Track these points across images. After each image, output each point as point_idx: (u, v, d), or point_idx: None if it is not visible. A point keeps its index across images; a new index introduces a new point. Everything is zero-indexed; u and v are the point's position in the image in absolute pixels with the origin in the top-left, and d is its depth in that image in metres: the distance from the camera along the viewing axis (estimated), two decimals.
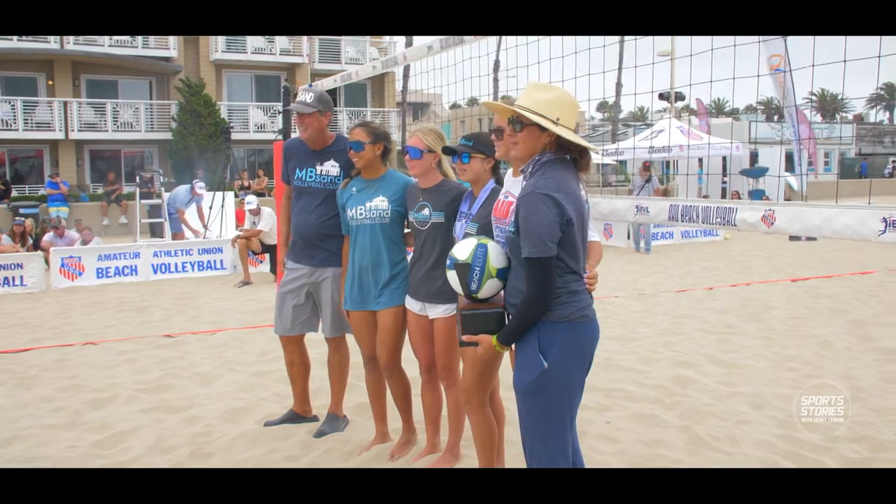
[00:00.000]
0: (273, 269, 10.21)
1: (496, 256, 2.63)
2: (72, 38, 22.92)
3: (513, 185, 2.96)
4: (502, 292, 2.70)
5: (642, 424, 4.33)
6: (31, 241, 12.46)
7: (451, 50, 4.38)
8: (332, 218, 4.00)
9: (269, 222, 10.05)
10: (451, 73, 5.51)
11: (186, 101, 23.91)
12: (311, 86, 7.33)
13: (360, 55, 28.82)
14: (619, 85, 33.06)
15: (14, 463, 3.82)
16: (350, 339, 4.23)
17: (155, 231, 13.83)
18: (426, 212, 3.57)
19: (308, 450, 3.98)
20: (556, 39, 4.12)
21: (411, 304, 3.72)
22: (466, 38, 4.10)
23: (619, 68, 28.44)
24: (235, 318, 7.68)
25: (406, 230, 3.89)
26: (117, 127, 24.23)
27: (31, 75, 23.80)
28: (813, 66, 3.23)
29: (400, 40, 29.64)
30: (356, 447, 4.02)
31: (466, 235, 3.21)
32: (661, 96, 26.95)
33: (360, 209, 3.82)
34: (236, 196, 14.45)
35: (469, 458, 3.73)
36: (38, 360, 5.97)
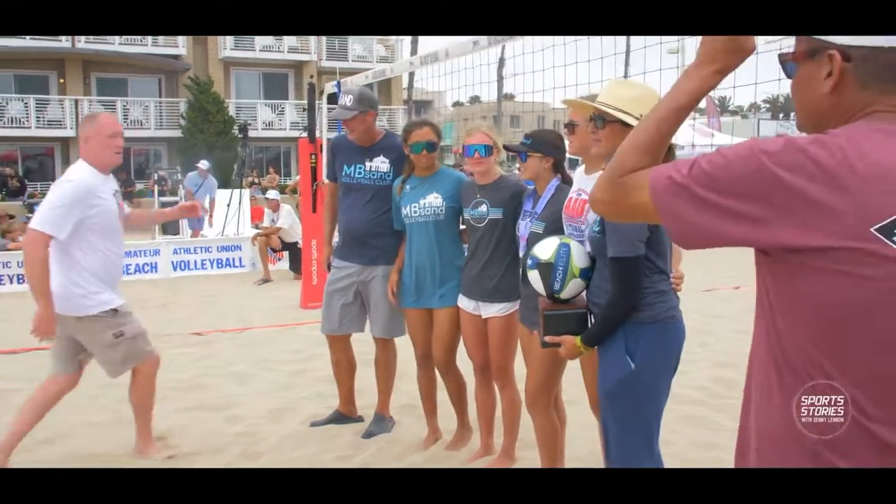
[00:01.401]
0: (293, 267, 10.16)
1: (579, 256, 2.57)
2: (83, 36, 22.88)
3: (586, 181, 2.89)
4: (584, 292, 2.64)
5: (693, 427, 4.27)
6: None
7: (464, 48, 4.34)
8: (383, 215, 3.93)
9: (288, 219, 10.01)
10: (456, 71, 5.50)
11: (195, 99, 23.91)
12: (337, 84, 7.32)
13: (366, 52, 28.84)
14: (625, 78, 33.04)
15: (67, 462, 3.76)
16: (400, 339, 4.18)
17: (167, 228, 13.78)
18: (483, 208, 3.51)
19: (358, 450, 3.92)
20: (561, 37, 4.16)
21: (464, 303, 3.67)
22: (513, 37, 4.07)
23: (626, 65, 28.38)
24: (261, 315, 7.62)
25: (461, 227, 3.84)
26: (127, 125, 24.14)
27: (44, 73, 23.82)
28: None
29: (406, 39, 29.71)
30: (406, 448, 3.96)
31: (533, 234, 3.16)
32: None
33: (415, 207, 3.76)
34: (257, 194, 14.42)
35: (524, 461, 3.67)
36: None
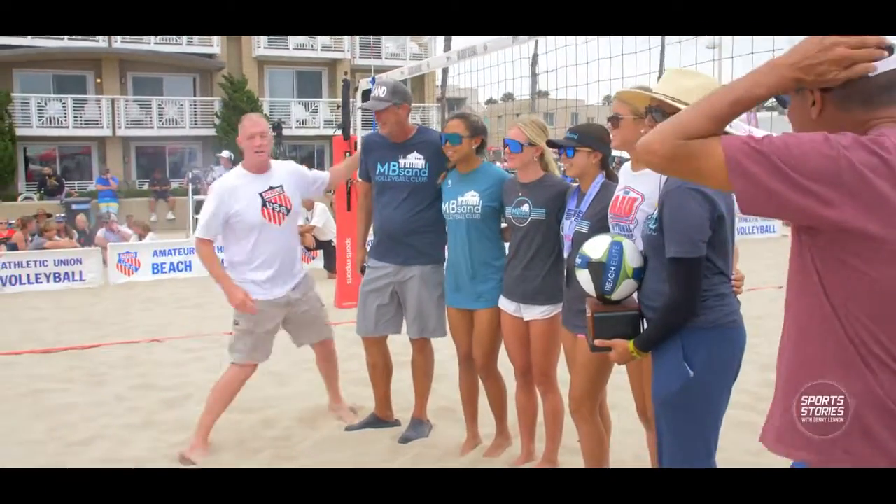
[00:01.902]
0: (328, 266, 10.12)
1: (632, 255, 2.44)
2: (119, 36, 23.19)
3: (633, 179, 2.76)
4: (635, 294, 2.51)
5: (741, 432, 4.09)
6: (77, 236, 12.52)
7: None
8: (420, 213, 3.83)
9: (322, 217, 9.97)
10: (489, 67, 5.40)
11: (229, 98, 24.06)
12: (372, 80, 7.23)
13: (400, 50, 28.80)
14: (661, 74, 32.49)
15: (99, 463, 3.74)
16: (435, 340, 4.08)
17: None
18: (525, 208, 3.39)
19: (396, 455, 3.83)
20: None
21: (505, 305, 3.56)
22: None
23: (661, 60, 27.91)
24: None
25: (503, 225, 3.73)
26: (162, 123, 24.50)
27: (81, 73, 24.17)
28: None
29: (439, 38, 29.62)
30: (444, 453, 3.87)
31: (578, 234, 3.03)
32: None
33: (453, 203, 3.67)
34: None
35: (567, 466, 3.55)
36: (106, 358, 5.93)
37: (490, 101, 52.04)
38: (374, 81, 6.97)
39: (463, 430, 4.21)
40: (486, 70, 5.51)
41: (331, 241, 10.05)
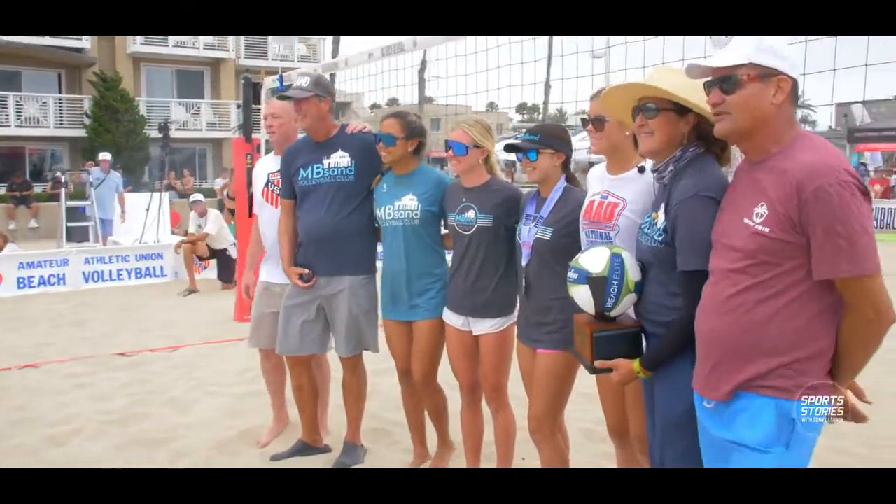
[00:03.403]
0: (222, 276, 9.47)
1: (633, 268, 2.23)
2: None
3: (612, 184, 2.56)
4: (631, 309, 2.30)
5: None
6: None
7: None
8: (349, 216, 3.49)
9: (216, 225, 9.32)
10: (376, 74, 5.28)
11: (101, 96, 22.38)
12: (279, 78, 6.76)
13: (287, 51, 27.98)
14: (547, 86, 33.34)
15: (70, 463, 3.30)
16: (367, 358, 3.75)
17: (73, 235, 12.71)
18: (471, 214, 3.14)
19: None
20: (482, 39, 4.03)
21: (452, 319, 3.29)
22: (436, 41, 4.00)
23: (548, 70, 28.59)
24: (192, 331, 6.95)
25: (444, 232, 3.46)
26: (21, 122, 22.43)
27: None
28: None
29: (328, 38, 28.98)
30: None
31: (539, 241, 2.82)
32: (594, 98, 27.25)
33: (389, 209, 3.37)
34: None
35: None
36: None
37: (374, 106, 51.68)
38: (281, 80, 6.55)
39: (400, 451, 3.95)
40: (373, 77, 5.36)
41: (225, 250, 9.42)
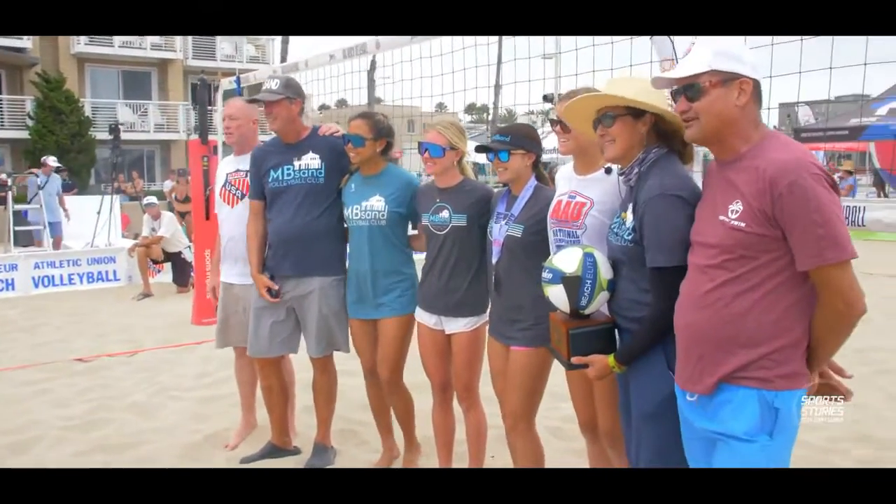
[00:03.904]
0: (177, 280, 9.33)
1: (605, 266, 2.31)
2: None
3: (579, 183, 2.65)
4: (604, 306, 2.39)
5: None
6: None
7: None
8: (320, 217, 3.50)
9: (170, 228, 9.17)
10: (324, 79, 5.34)
11: (44, 97, 21.72)
12: (237, 80, 6.71)
13: (235, 52, 27.56)
14: (497, 86, 33.57)
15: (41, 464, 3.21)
16: (338, 359, 3.78)
17: (20, 239, 12.32)
18: (445, 214, 3.19)
19: None
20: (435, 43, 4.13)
21: (424, 318, 3.34)
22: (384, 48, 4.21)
23: (498, 74, 28.82)
24: (150, 335, 6.84)
25: (412, 232, 3.51)
26: None
27: None
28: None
29: (276, 39, 28.65)
30: None
31: (510, 238, 2.88)
32: (546, 98, 27.56)
33: (356, 209, 3.41)
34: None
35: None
36: None
37: (323, 107, 51.22)
38: (238, 82, 6.50)
39: (369, 451, 3.98)
40: (322, 81, 5.41)
41: (180, 253, 9.28)
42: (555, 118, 2.69)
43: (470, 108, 69.81)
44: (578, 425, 2.89)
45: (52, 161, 11.25)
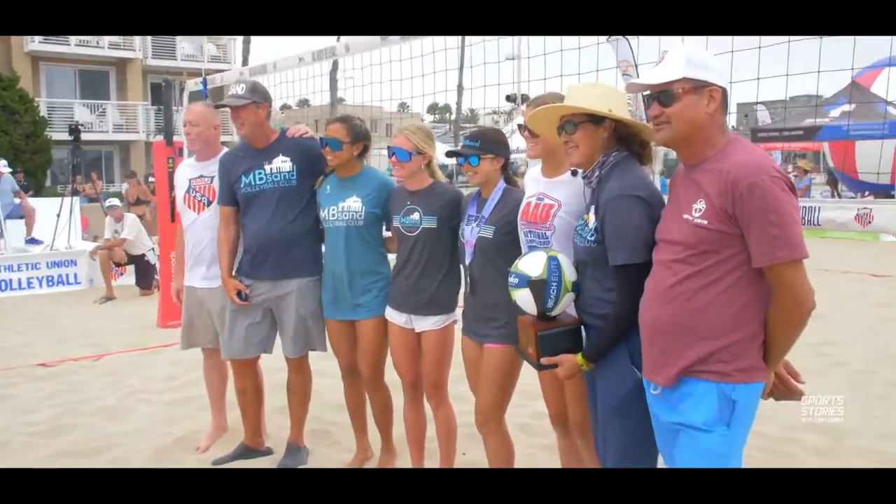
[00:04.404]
0: (140, 283, 9.22)
1: (569, 268, 2.41)
2: None
3: (547, 186, 2.74)
4: (571, 307, 2.47)
5: None
6: None
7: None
8: (296, 220, 3.54)
9: (133, 230, 9.06)
10: (287, 82, 5.40)
11: None
12: (203, 81, 6.67)
13: (196, 52, 27.25)
14: (460, 87, 33.68)
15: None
16: (310, 358, 3.81)
17: None
18: (416, 216, 3.26)
19: None
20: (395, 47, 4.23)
21: (394, 317, 3.39)
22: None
23: (461, 69, 28.89)
24: (115, 339, 6.75)
25: (386, 234, 3.56)
26: None
27: None
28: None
29: (238, 38, 28.34)
30: None
31: (481, 239, 2.96)
32: (509, 98, 27.75)
33: (333, 210, 3.44)
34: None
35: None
36: None
37: (285, 107, 50.84)
38: (204, 83, 6.47)
39: (341, 450, 4.01)
40: (285, 84, 5.45)
41: (143, 256, 9.18)
42: (522, 123, 2.77)
43: (432, 109, 69.98)
44: (549, 419, 2.97)
45: (2, 166, 10.95)
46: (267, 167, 3.54)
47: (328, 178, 3.54)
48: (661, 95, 2.00)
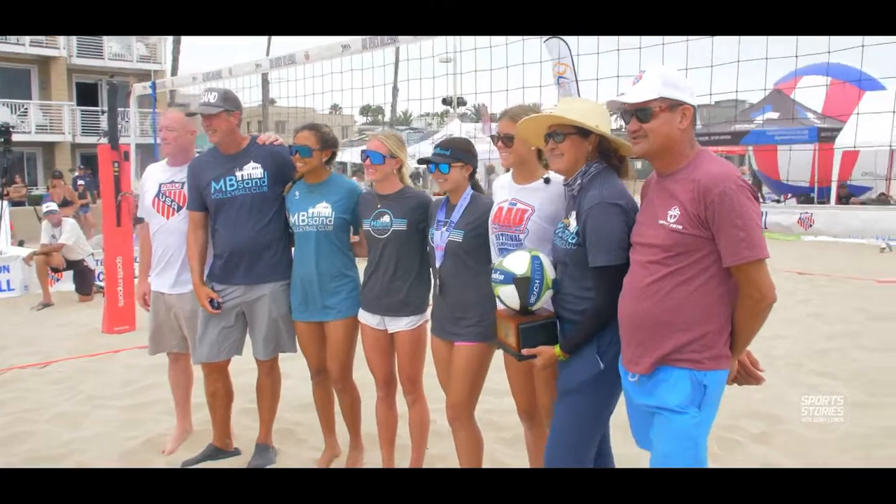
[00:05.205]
0: (80, 289, 8.98)
1: (550, 267, 2.62)
2: None
3: (519, 192, 2.92)
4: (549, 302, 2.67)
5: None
6: None
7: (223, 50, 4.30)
8: (267, 226, 3.61)
9: (72, 235, 8.83)
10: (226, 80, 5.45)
11: None
12: (152, 85, 6.63)
13: (125, 51, 26.44)
14: (395, 89, 33.65)
15: None
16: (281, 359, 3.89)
17: None
18: (386, 219, 3.39)
19: None
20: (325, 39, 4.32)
21: (367, 319, 3.51)
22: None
23: (396, 72, 28.88)
24: (59, 346, 6.58)
25: (354, 238, 3.67)
26: None
27: None
28: (597, 79, 3.99)
29: (168, 38, 27.64)
30: None
31: (451, 243, 3.11)
32: (445, 101, 27.95)
33: (303, 215, 3.54)
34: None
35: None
36: None
37: None
38: (153, 87, 6.44)
39: (308, 448, 4.09)
40: (220, 82, 5.48)
41: (83, 261, 8.95)
42: (496, 134, 2.95)
43: (365, 110, 69.59)
44: (518, 413, 3.15)
45: None
46: (238, 174, 3.60)
47: (297, 184, 3.63)
48: (640, 112, 2.21)
